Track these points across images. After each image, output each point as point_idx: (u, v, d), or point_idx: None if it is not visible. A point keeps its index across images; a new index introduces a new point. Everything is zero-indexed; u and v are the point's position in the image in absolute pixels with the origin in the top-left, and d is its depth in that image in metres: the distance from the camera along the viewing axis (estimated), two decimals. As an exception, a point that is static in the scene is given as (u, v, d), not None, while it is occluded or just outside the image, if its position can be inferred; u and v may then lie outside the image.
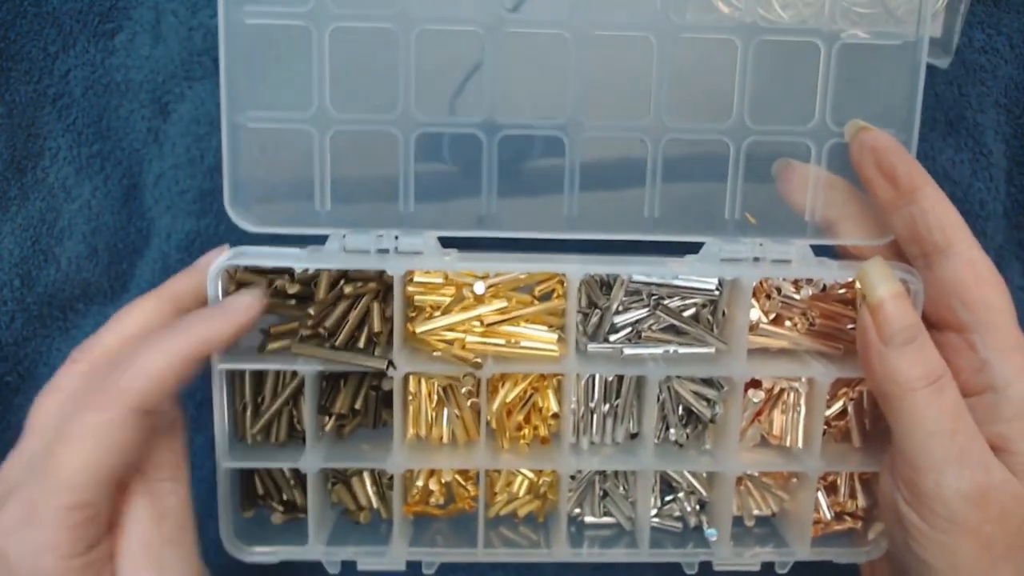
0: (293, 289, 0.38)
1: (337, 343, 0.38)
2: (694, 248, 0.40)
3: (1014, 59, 0.45)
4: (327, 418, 0.40)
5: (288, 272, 0.38)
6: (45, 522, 0.30)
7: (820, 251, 0.40)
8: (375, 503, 0.42)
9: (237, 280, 0.38)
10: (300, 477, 0.40)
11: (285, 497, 0.41)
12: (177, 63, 0.44)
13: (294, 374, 0.40)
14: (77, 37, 0.44)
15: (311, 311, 0.38)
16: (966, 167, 0.46)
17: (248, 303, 0.36)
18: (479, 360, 0.38)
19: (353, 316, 0.38)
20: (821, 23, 0.38)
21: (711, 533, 0.42)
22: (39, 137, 0.44)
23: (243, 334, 0.36)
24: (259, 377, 0.40)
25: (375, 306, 0.38)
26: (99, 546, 0.32)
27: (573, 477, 0.42)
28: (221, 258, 0.37)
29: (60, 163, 0.44)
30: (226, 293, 0.37)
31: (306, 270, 0.38)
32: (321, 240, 0.38)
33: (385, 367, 0.37)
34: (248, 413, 0.40)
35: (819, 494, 0.42)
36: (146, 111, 0.44)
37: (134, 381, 0.32)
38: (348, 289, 0.38)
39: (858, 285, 0.36)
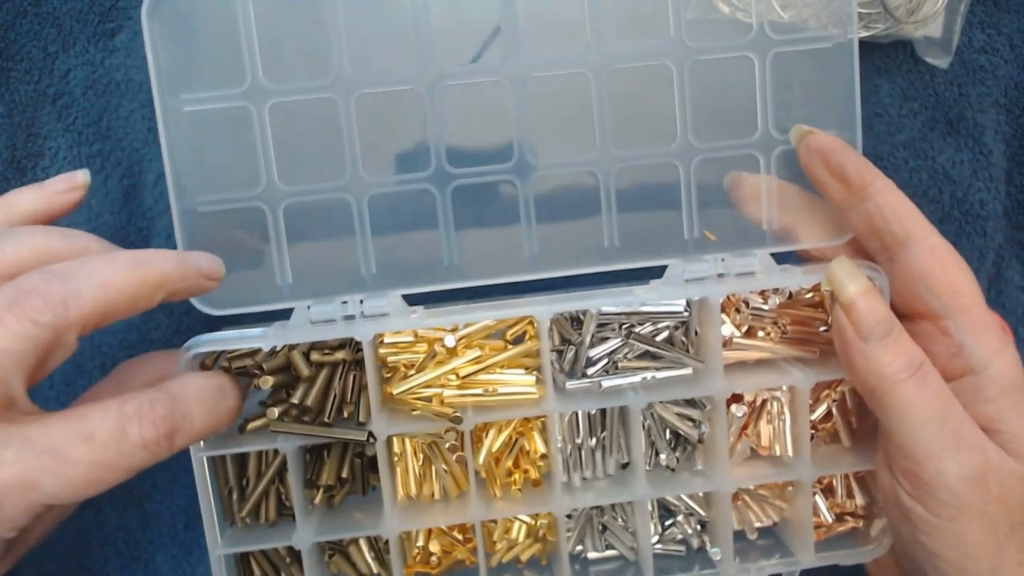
0: (267, 384, 0.36)
1: (313, 417, 0.37)
2: (659, 271, 0.38)
3: (1014, 59, 0.44)
4: (315, 491, 0.38)
5: (254, 353, 0.36)
6: (30, 508, 0.28)
7: (783, 258, 0.38)
8: (375, 569, 0.40)
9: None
10: (296, 554, 0.38)
11: None
12: None
13: (276, 452, 0.38)
14: (77, 37, 0.42)
15: (295, 395, 0.36)
16: (966, 167, 0.44)
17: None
18: (458, 415, 0.36)
19: (328, 388, 0.37)
20: (750, 36, 0.37)
21: (715, 552, 0.40)
22: (39, 137, 0.42)
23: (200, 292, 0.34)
24: (242, 459, 0.38)
25: (348, 377, 0.37)
26: None
27: (570, 516, 0.40)
28: (188, 353, 0.35)
29: (60, 163, 0.43)
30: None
31: (274, 348, 0.36)
32: (285, 314, 0.37)
33: (365, 439, 0.36)
34: (235, 497, 0.38)
35: (817, 498, 0.40)
36: (146, 111, 0.43)
37: (187, 439, 0.30)
38: (316, 356, 0.36)
39: (827, 287, 0.35)
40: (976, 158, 0.44)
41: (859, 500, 0.40)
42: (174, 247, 0.41)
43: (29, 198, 0.34)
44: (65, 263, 0.30)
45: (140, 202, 0.43)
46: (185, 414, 0.31)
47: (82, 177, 0.35)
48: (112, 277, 0.30)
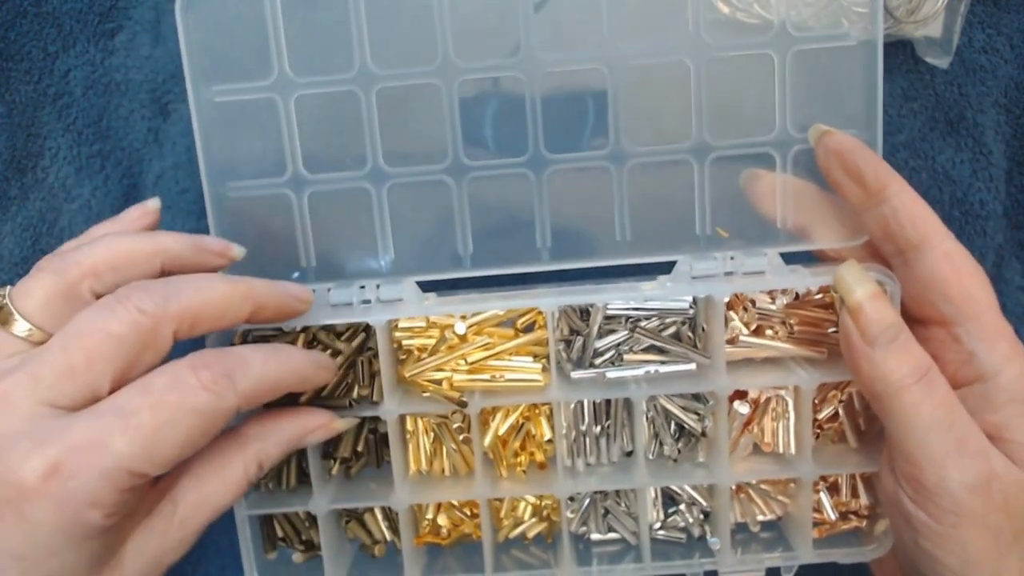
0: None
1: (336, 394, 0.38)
2: (671, 265, 0.38)
3: (1014, 59, 0.42)
4: (332, 462, 0.40)
5: (278, 331, 0.38)
6: (105, 473, 0.27)
7: (795, 258, 0.38)
8: (389, 536, 0.42)
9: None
10: (315, 518, 0.40)
11: (304, 537, 0.41)
12: (177, 63, 0.41)
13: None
14: (77, 37, 0.42)
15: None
16: (966, 167, 0.43)
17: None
18: (464, 399, 0.37)
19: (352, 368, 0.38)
20: (771, 34, 0.36)
21: (714, 542, 0.40)
22: (39, 137, 0.42)
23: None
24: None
25: (362, 361, 0.38)
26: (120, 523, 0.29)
27: (572, 498, 0.41)
28: (213, 334, 0.36)
29: (60, 163, 0.42)
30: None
31: (294, 328, 0.38)
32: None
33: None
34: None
35: (822, 495, 0.40)
36: (146, 111, 0.43)
37: (248, 382, 0.30)
38: (342, 345, 0.38)
39: (834, 290, 0.34)
40: (976, 158, 0.42)
41: (864, 500, 0.40)
42: None
43: (107, 229, 0.35)
44: (168, 279, 0.31)
45: (140, 202, 0.43)
46: (238, 355, 0.31)
47: (152, 204, 0.36)
48: (207, 284, 0.31)
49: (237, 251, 0.35)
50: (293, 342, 0.38)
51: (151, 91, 0.43)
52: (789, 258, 0.38)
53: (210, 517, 0.32)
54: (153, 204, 0.36)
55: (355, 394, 0.38)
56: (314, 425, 0.35)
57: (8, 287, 0.31)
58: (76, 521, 0.27)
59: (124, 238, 0.32)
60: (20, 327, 0.30)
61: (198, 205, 0.43)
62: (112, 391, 0.29)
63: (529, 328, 0.39)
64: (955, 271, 0.33)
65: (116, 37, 0.42)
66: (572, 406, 0.40)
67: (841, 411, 0.39)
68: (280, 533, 0.41)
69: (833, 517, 0.40)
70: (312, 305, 0.35)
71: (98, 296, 0.31)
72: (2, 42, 0.42)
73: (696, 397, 0.39)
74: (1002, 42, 0.42)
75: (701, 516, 0.41)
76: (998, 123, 0.42)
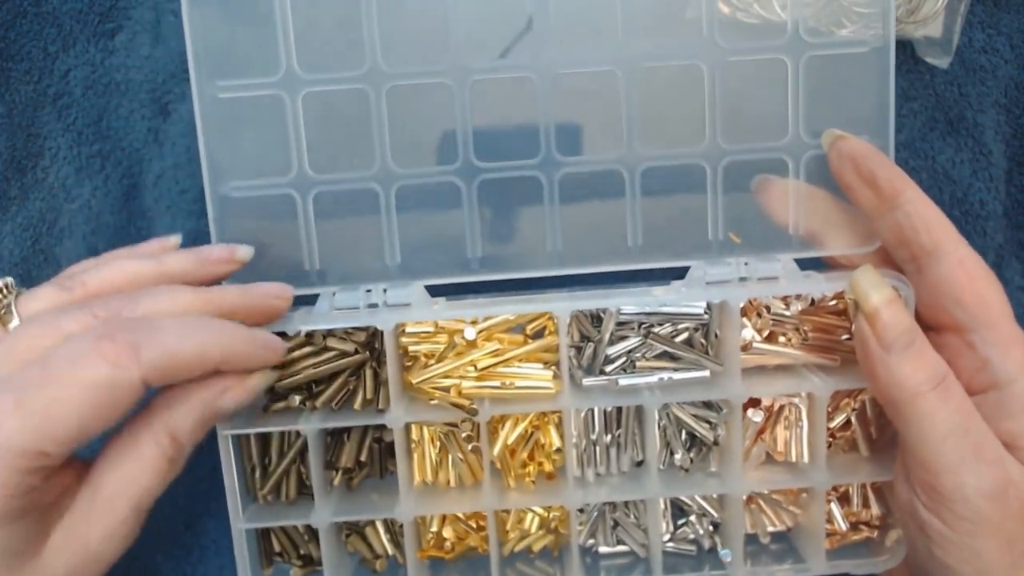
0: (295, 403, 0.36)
1: (337, 400, 0.37)
2: (682, 271, 0.37)
3: (1014, 59, 0.42)
4: (334, 473, 0.38)
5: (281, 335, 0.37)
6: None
7: (808, 264, 0.37)
8: (390, 551, 0.40)
9: None
10: (314, 532, 0.38)
11: (302, 552, 0.39)
12: (177, 63, 0.41)
13: (298, 434, 0.38)
14: (77, 37, 0.41)
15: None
16: (966, 167, 0.43)
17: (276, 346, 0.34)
18: (475, 407, 0.36)
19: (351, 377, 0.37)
20: (785, 39, 0.36)
21: (725, 554, 0.39)
22: (39, 137, 0.42)
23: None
24: (265, 438, 0.38)
25: (367, 369, 0.37)
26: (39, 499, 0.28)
27: (582, 510, 0.40)
28: None
29: (60, 163, 0.42)
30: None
31: (299, 332, 0.36)
32: (311, 299, 0.37)
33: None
34: (257, 474, 0.38)
35: (832, 506, 0.39)
36: (146, 111, 0.42)
37: (155, 354, 0.28)
38: (336, 344, 0.36)
39: (850, 296, 0.34)
40: (976, 158, 0.42)
41: (875, 510, 0.39)
42: None
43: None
44: (142, 322, 0.30)
45: (140, 202, 0.42)
46: (149, 325, 0.29)
47: (172, 241, 0.36)
48: (182, 335, 0.29)
49: (243, 252, 0.34)
50: (298, 348, 0.36)
51: (151, 91, 0.42)
52: (801, 264, 0.37)
53: (137, 501, 0.30)
54: (174, 240, 0.36)
55: (359, 401, 0.37)
56: (225, 384, 0.32)
57: (18, 289, 0.31)
58: None
59: (130, 262, 0.32)
60: (14, 326, 0.30)
61: (198, 205, 0.42)
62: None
63: (539, 334, 0.38)
64: (969, 278, 0.33)
65: (116, 37, 0.42)
66: (583, 414, 0.39)
67: (854, 419, 0.38)
68: (277, 547, 0.39)
69: (844, 527, 0.39)
70: (283, 355, 0.34)
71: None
72: (2, 42, 0.41)
73: (708, 405, 0.38)
74: (1002, 42, 0.42)
75: (711, 527, 0.40)
76: (998, 123, 0.43)
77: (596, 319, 0.38)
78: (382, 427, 0.38)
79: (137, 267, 0.32)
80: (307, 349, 0.37)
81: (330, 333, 0.37)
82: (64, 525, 0.29)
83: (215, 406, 0.32)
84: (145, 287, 0.32)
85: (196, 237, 0.42)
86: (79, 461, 0.32)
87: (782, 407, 0.39)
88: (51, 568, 0.29)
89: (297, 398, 0.36)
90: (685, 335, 0.38)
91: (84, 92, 0.42)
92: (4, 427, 0.26)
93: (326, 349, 0.36)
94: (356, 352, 0.37)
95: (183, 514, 0.43)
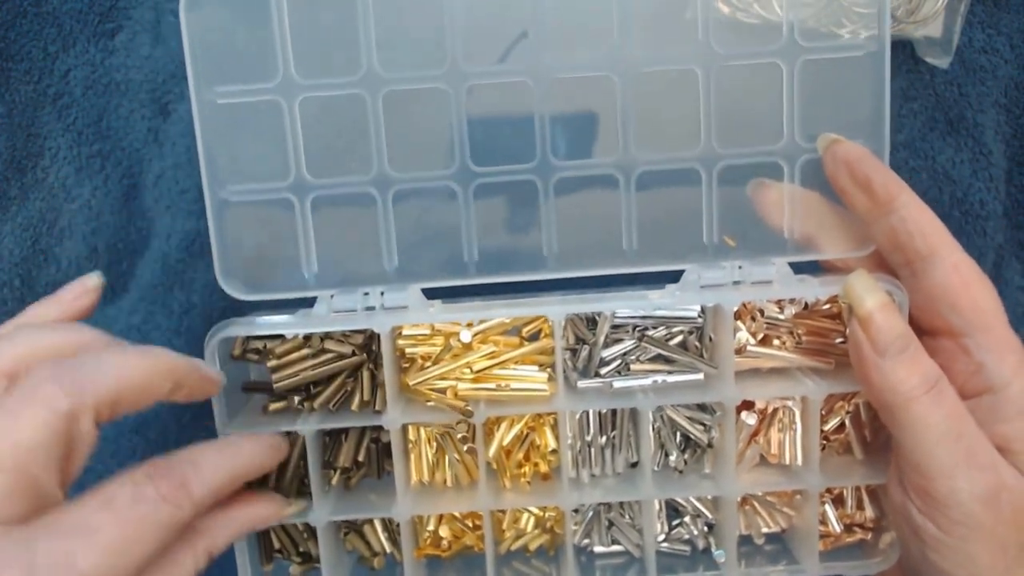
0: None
1: (335, 401, 0.37)
2: (677, 275, 0.37)
3: (1014, 59, 0.42)
4: (332, 472, 0.39)
5: (279, 338, 0.37)
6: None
7: (802, 267, 0.37)
8: (388, 548, 0.40)
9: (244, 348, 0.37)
10: (313, 530, 0.39)
11: (301, 549, 0.40)
12: (177, 63, 0.41)
13: (296, 434, 0.38)
14: (77, 37, 0.41)
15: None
16: (966, 167, 0.43)
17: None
18: (470, 408, 0.36)
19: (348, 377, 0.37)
20: (780, 43, 0.36)
21: (719, 554, 0.39)
22: (39, 137, 0.42)
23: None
24: (265, 438, 0.39)
25: (365, 371, 0.37)
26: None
27: (577, 510, 0.40)
28: (215, 338, 0.35)
29: (60, 163, 0.42)
30: (227, 360, 0.36)
31: (297, 335, 0.37)
32: (309, 302, 0.37)
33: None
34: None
35: (827, 507, 0.39)
36: (146, 111, 0.42)
37: (204, 488, 0.30)
38: (333, 346, 0.37)
39: (844, 300, 0.34)
40: (976, 158, 0.42)
41: (869, 512, 0.39)
42: (174, 248, 0.42)
43: (45, 310, 0.33)
44: (78, 356, 0.29)
45: (140, 202, 0.42)
46: (190, 460, 0.30)
47: (92, 281, 0.34)
48: (124, 362, 0.29)
49: (94, 280, 0.33)
50: (295, 350, 0.37)
51: (151, 91, 0.42)
52: (796, 268, 0.37)
53: None
54: (93, 282, 0.34)
55: (356, 402, 0.37)
56: (265, 515, 0.35)
57: None
58: None
59: (43, 334, 0.30)
60: None
61: (198, 205, 0.42)
62: (63, 487, 0.28)
63: (535, 337, 0.39)
64: (964, 282, 0.33)
65: (116, 37, 0.42)
66: (577, 416, 0.39)
67: (848, 422, 0.38)
68: (277, 545, 0.40)
69: (838, 529, 0.39)
70: (221, 388, 0.34)
71: None
72: (2, 42, 0.41)
73: (702, 408, 0.39)
74: (1002, 42, 0.42)
75: (706, 528, 0.40)
76: (998, 123, 0.42)
77: (591, 322, 0.38)
78: (379, 428, 0.38)
79: (49, 343, 0.30)
80: (305, 351, 0.37)
81: (328, 335, 0.37)
82: None
83: (254, 528, 0.34)
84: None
85: (195, 237, 0.42)
86: None
87: (776, 410, 0.39)
88: None
89: (296, 399, 0.37)
90: (679, 338, 0.38)
91: (84, 92, 0.42)
92: (80, 568, 0.26)
93: (324, 351, 0.37)
94: (353, 354, 0.37)
95: None
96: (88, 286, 0.34)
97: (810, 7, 0.36)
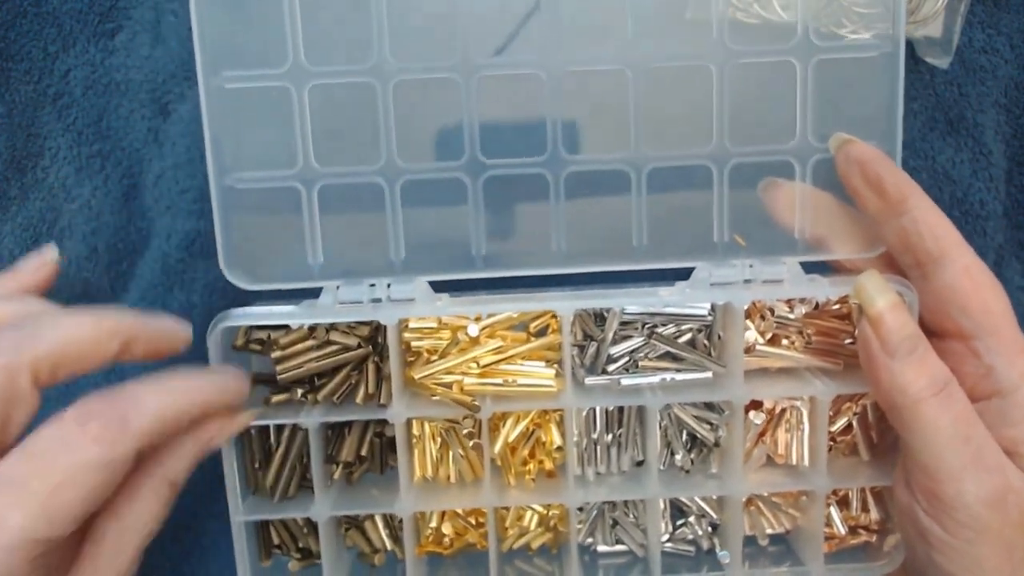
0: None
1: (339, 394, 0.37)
2: (686, 272, 0.37)
3: (1014, 59, 0.42)
4: (334, 467, 0.38)
5: (284, 328, 0.36)
6: (8, 549, 0.26)
7: (813, 267, 0.37)
8: (389, 545, 0.40)
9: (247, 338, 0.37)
10: (313, 525, 0.38)
11: (301, 545, 0.39)
12: (177, 63, 0.41)
13: (299, 428, 0.38)
14: (77, 37, 0.41)
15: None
16: (966, 167, 0.43)
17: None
18: (476, 403, 0.35)
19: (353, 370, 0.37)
20: (794, 42, 0.36)
21: (723, 555, 0.39)
22: (39, 137, 0.41)
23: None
24: (265, 432, 0.38)
25: (370, 364, 0.36)
26: None
27: (581, 508, 0.40)
28: (218, 327, 0.35)
29: (60, 163, 0.41)
30: (229, 351, 0.36)
31: (301, 326, 0.36)
32: (314, 293, 0.37)
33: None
34: (258, 466, 0.38)
35: (832, 509, 0.39)
36: (146, 111, 0.41)
37: (145, 422, 0.28)
38: (339, 338, 0.36)
39: (855, 300, 0.34)
40: (976, 158, 0.42)
41: (874, 514, 0.39)
42: (174, 248, 0.42)
43: (1, 285, 0.33)
44: (20, 320, 0.29)
45: (140, 202, 0.42)
46: (130, 396, 0.29)
47: (50, 254, 0.34)
48: (64, 322, 0.29)
49: (51, 252, 0.34)
50: (299, 341, 0.36)
51: (151, 91, 0.42)
52: (806, 268, 0.37)
53: (138, 546, 0.31)
54: (51, 255, 0.34)
55: (361, 395, 0.36)
56: (213, 431, 0.33)
57: None
58: None
59: (68, 316, 0.30)
60: None
61: (198, 205, 0.41)
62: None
63: (542, 332, 0.38)
64: (974, 285, 0.33)
65: (116, 37, 0.41)
66: (584, 413, 0.38)
67: (855, 424, 0.38)
68: (276, 540, 0.39)
69: (843, 531, 0.39)
70: (190, 341, 0.33)
71: None
72: (2, 42, 0.41)
73: (709, 407, 0.38)
74: (1002, 42, 0.42)
75: (710, 528, 0.40)
76: (998, 123, 0.42)
77: (599, 318, 0.38)
78: (383, 422, 0.38)
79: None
80: (310, 342, 0.36)
81: (333, 327, 0.36)
82: None
83: (208, 447, 0.32)
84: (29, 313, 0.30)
85: (195, 237, 0.42)
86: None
87: (784, 410, 0.38)
88: None
89: (299, 391, 0.36)
90: (688, 336, 0.38)
91: (84, 92, 0.41)
92: (10, 524, 0.26)
93: (329, 343, 0.36)
94: (359, 346, 0.36)
95: (183, 515, 0.43)
96: (46, 259, 0.34)
97: (811, 7, 0.35)
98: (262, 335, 0.37)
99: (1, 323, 0.30)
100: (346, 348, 0.36)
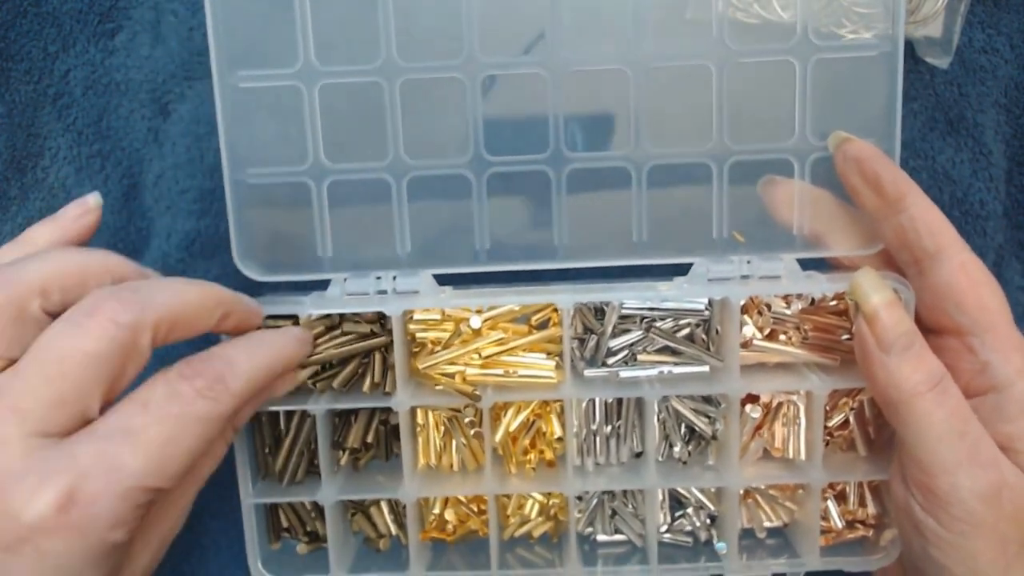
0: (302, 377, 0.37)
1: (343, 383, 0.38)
2: (685, 268, 0.38)
3: (1014, 59, 0.42)
4: (341, 453, 0.39)
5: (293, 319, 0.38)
6: (124, 494, 0.27)
7: (810, 264, 0.37)
8: (394, 530, 0.41)
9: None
10: (321, 510, 0.39)
11: (308, 528, 0.40)
12: (177, 63, 0.41)
13: (307, 415, 0.39)
14: (77, 37, 0.41)
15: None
16: (966, 167, 0.43)
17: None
18: (478, 392, 0.36)
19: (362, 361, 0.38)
20: (793, 41, 0.36)
21: (721, 547, 0.39)
22: (39, 137, 0.42)
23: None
24: (276, 418, 0.39)
25: (376, 354, 0.37)
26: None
27: (580, 498, 0.41)
28: None
29: (60, 163, 0.42)
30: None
31: (309, 315, 0.37)
32: (323, 285, 0.38)
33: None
34: (268, 452, 0.39)
35: (829, 503, 0.39)
36: (146, 111, 0.42)
37: (241, 381, 0.31)
38: (352, 328, 0.37)
39: (850, 297, 0.34)
40: (976, 158, 0.42)
41: (871, 509, 0.39)
42: (174, 248, 0.42)
43: (46, 231, 0.33)
44: (133, 282, 0.31)
45: (140, 202, 0.42)
46: (226, 358, 0.31)
47: (93, 200, 0.34)
48: (180, 287, 0.31)
49: (94, 199, 0.34)
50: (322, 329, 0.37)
51: (151, 91, 0.42)
52: (804, 265, 0.37)
53: (200, 483, 0.33)
54: (94, 200, 0.34)
55: (368, 384, 0.37)
56: (279, 386, 0.36)
57: None
58: (99, 544, 0.27)
59: (72, 255, 0.31)
60: None
61: (198, 205, 0.42)
62: (102, 410, 0.28)
63: (543, 325, 0.39)
64: (971, 282, 0.33)
65: (116, 37, 0.42)
66: (584, 405, 0.39)
67: (852, 419, 0.39)
68: (285, 523, 0.40)
69: (840, 525, 0.39)
70: (263, 320, 0.35)
71: (49, 314, 0.29)
72: (2, 42, 0.41)
73: (707, 400, 0.39)
74: (1002, 42, 0.41)
75: (708, 520, 0.40)
76: (998, 123, 0.42)
77: (599, 312, 0.39)
78: (388, 410, 0.39)
79: (81, 262, 0.31)
80: (321, 329, 0.37)
81: (343, 318, 0.38)
82: (146, 526, 0.31)
83: (272, 397, 0.36)
84: (87, 284, 0.30)
85: (195, 237, 0.42)
86: None
87: (780, 404, 0.39)
88: (138, 561, 0.31)
89: (308, 379, 0.37)
90: (686, 330, 0.38)
91: (84, 92, 0.42)
92: (128, 469, 0.27)
93: (344, 333, 0.37)
94: (373, 333, 0.37)
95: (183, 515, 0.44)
96: (89, 205, 0.34)
97: (811, 7, 0.36)
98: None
99: (85, 272, 0.30)
100: (362, 336, 0.37)
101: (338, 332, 0.37)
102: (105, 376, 0.28)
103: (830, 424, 0.39)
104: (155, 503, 0.30)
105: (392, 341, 0.37)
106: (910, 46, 0.41)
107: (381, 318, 0.38)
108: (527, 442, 0.39)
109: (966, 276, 0.33)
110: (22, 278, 0.29)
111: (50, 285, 0.29)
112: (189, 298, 0.31)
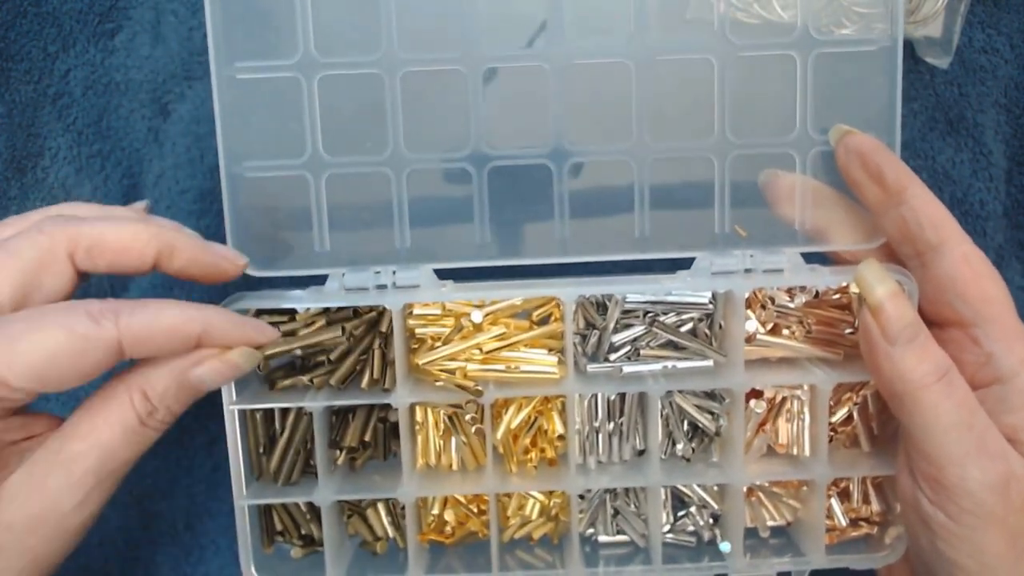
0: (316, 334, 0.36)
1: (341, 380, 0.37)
2: (688, 263, 0.37)
3: (1014, 59, 0.42)
4: (338, 452, 0.38)
5: (291, 313, 0.37)
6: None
7: (812, 259, 0.37)
8: (391, 533, 0.40)
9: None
10: (316, 511, 0.38)
11: (303, 532, 0.39)
12: (177, 63, 0.41)
13: (303, 413, 0.38)
14: (77, 37, 0.41)
15: (330, 356, 0.36)
16: (966, 167, 0.43)
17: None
18: (480, 388, 0.36)
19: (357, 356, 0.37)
20: (794, 35, 0.36)
21: (724, 546, 0.39)
22: (39, 137, 0.42)
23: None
24: (271, 416, 0.38)
25: (375, 349, 0.37)
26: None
27: (583, 497, 0.40)
28: (233, 305, 0.35)
29: (60, 163, 0.42)
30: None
31: (308, 310, 0.36)
32: (321, 280, 0.37)
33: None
34: (262, 451, 0.38)
35: (833, 501, 0.39)
36: (146, 111, 0.42)
37: (134, 319, 0.29)
38: (347, 325, 0.36)
39: (855, 289, 0.34)
40: (976, 158, 0.42)
41: (875, 506, 0.39)
42: None
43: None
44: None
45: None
46: (137, 300, 0.30)
47: (142, 205, 0.36)
48: (110, 218, 0.31)
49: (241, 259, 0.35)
50: (308, 324, 0.36)
51: (151, 91, 0.42)
52: (806, 260, 0.37)
53: (102, 458, 0.30)
54: (142, 206, 0.36)
55: (366, 380, 0.36)
56: (202, 354, 0.32)
57: None
58: None
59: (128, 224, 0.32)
60: None
61: (198, 205, 0.42)
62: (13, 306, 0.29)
63: (545, 320, 0.38)
64: (973, 273, 0.33)
65: (116, 37, 0.42)
66: (586, 401, 0.38)
67: (855, 414, 0.38)
68: (279, 526, 0.39)
69: (844, 523, 0.39)
70: (244, 268, 0.34)
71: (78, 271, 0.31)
72: (2, 42, 0.41)
73: (711, 396, 0.38)
74: (1002, 42, 0.42)
75: (711, 519, 0.40)
76: (998, 123, 0.43)
77: (602, 307, 0.38)
78: (387, 408, 0.38)
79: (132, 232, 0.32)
80: (320, 323, 0.37)
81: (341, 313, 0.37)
82: (25, 469, 0.29)
83: (192, 374, 0.31)
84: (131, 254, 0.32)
85: None
86: (56, 417, 0.32)
87: (784, 399, 0.38)
88: (8, 513, 0.29)
89: (305, 376, 0.36)
90: (690, 325, 0.38)
91: (84, 92, 0.42)
92: None
93: (342, 329, 0.36)
94: (355, 313, 0.36)
95: (183, 514, 0.43)
96: (138, 209, 0.36)
97: (811, 6, 0.36)
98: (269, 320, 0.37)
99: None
100: (356, 324, 0.36)
101: (300, 325, 0.36)
102: (16, 276, 0.29)
103: (834, 420, 0.38)
104: (22, 425, 0.31)
105: (384, 339, 0.36)
106: (910, 46, 0.41)
107: (380, 315, 0.37)
108: (528, 440, 0.39)
109: (968, 268, 0.33)
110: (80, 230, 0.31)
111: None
112: (116, 224, 0.31)
